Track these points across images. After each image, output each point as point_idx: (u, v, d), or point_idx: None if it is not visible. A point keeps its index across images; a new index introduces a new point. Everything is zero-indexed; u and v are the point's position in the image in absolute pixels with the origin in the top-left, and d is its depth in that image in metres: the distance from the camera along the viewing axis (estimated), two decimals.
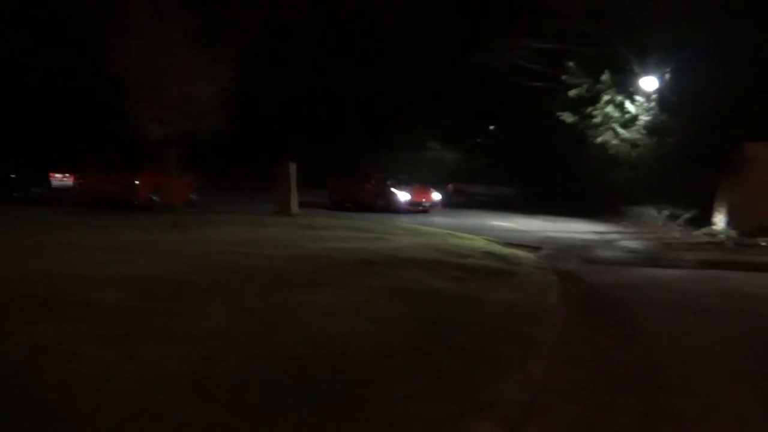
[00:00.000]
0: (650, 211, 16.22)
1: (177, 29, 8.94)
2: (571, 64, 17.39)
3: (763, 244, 12.13)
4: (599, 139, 17.35)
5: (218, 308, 4.62)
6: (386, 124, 31.93)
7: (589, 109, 17.55)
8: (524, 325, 4.94)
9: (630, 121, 16.97)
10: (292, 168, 14.14)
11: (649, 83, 16.45)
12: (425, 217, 16.83)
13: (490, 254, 9.04)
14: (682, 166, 15.14)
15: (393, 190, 17.61)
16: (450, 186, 22.86)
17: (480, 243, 10.32)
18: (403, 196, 17.47)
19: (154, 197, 14.04)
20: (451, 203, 21.83)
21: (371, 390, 3.16)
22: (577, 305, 6.22)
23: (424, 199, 18.26)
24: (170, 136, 9.66)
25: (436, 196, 18.79)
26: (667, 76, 16.13)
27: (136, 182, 13.90)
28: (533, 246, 11.05)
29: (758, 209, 13.46)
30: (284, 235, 9.64)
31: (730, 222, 13.82)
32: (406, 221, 14.21)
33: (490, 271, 7.43)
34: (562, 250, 10.89)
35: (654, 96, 16.45)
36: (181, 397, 2.90)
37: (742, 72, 14.35)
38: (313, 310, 4.77)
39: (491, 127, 31.72)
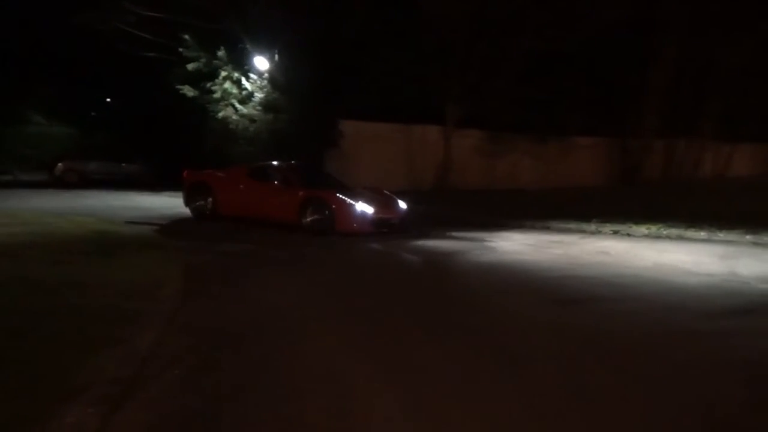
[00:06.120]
0: None
1: None
2: (186, 37, 17.19)
3: None
4: (220, 114, 17.78)
5: None
6: None
7: (209, 84, 17.77)
8: (136, 301, 4.82)
9: (247, 98, 17.87)
10: None
11: (261, 62, 17.57)
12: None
13: (104, 234, 8.41)
14: (293, 140, 16.83)
15: (343, 197, 9.94)
16: (60, 165, 20.08)
17: (94, 224, 9.47)
18: (361, 206, 9.85)
19: None
20: (62, 184, 19.35)
21: None
22: (195, 275, 6.35)
23: (389, 214, 10.44)
24: None
25: (402, 205, 10.78)
26: (276, 57, 17.52)
27: None
28: (156, 223, 10.74)
29: (352, 176, 16.09)
30: None
31: None
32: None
33: (102, 252, 6.93)
34: (188, 224, 10.91)
35: (266, 75, 17.67)
36: None
37: (333, 58, 16.71)
38: None
39: (108, 100, 29.07)
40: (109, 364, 3.38)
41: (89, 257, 6.53)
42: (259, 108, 17.70)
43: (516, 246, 8.93)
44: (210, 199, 11.28)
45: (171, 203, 14.91)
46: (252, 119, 17.78)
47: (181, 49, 17.37)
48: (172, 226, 10.47)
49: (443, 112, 18.09)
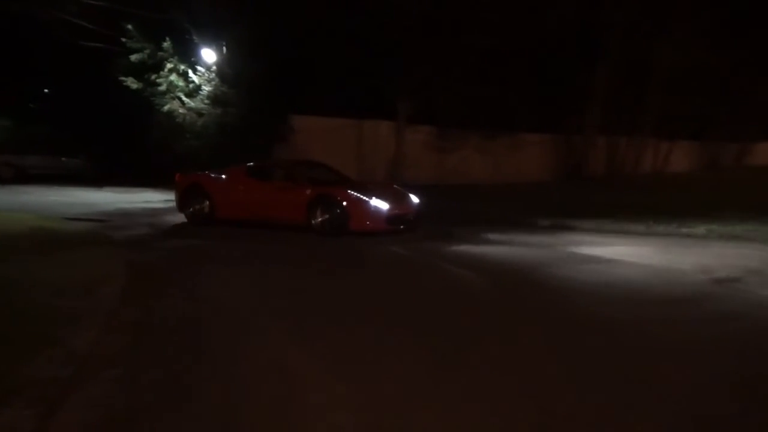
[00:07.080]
0: None
1: None
2: (129, 27, 16.61)
3: None
4: (166, 108, 17.27)
5: None
6: None
7: (154, 77, 17.22)
8: (76, 300, 4.67)
9: (194, 91, 17.43)
10: None
11: (209, 55, 17.17)
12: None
13: (43, 231, 8.07)
14: (242, 135, 16.55)
15: (355, 193, 9.20)
16: None
17: (32, 221, 9.06)
18: (376, 203, 9.13)
19: None
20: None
21: None
22: (138, 272, 6.17)
23: (404, 210, 9.69)
24: None
25: (415, 200, 10.12)
26: (224, 49, 17.16)
27: None
28: (99, 219, 10.40)
29: None
30: None
31: None
32: None
33: (40, 249, 6.66)
34: (131, 219, 10.60)
35: (214, 68, 17.28)
36: None
37: (283, 52, 16.51)
38: None
39: (46, 90, 27.78)
40: (47, 364, 3.27)
41: (27, 255, 6.27)
42: (207, 101, 17.30)
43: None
44: (207, 203, 10.22)
45: (114, 199, 14.47)
46: (199, 113, 17.37)
47: (124, 40, 16.78)
48: (114, 221, 10.13)
49: (395, 108, 18.19)
